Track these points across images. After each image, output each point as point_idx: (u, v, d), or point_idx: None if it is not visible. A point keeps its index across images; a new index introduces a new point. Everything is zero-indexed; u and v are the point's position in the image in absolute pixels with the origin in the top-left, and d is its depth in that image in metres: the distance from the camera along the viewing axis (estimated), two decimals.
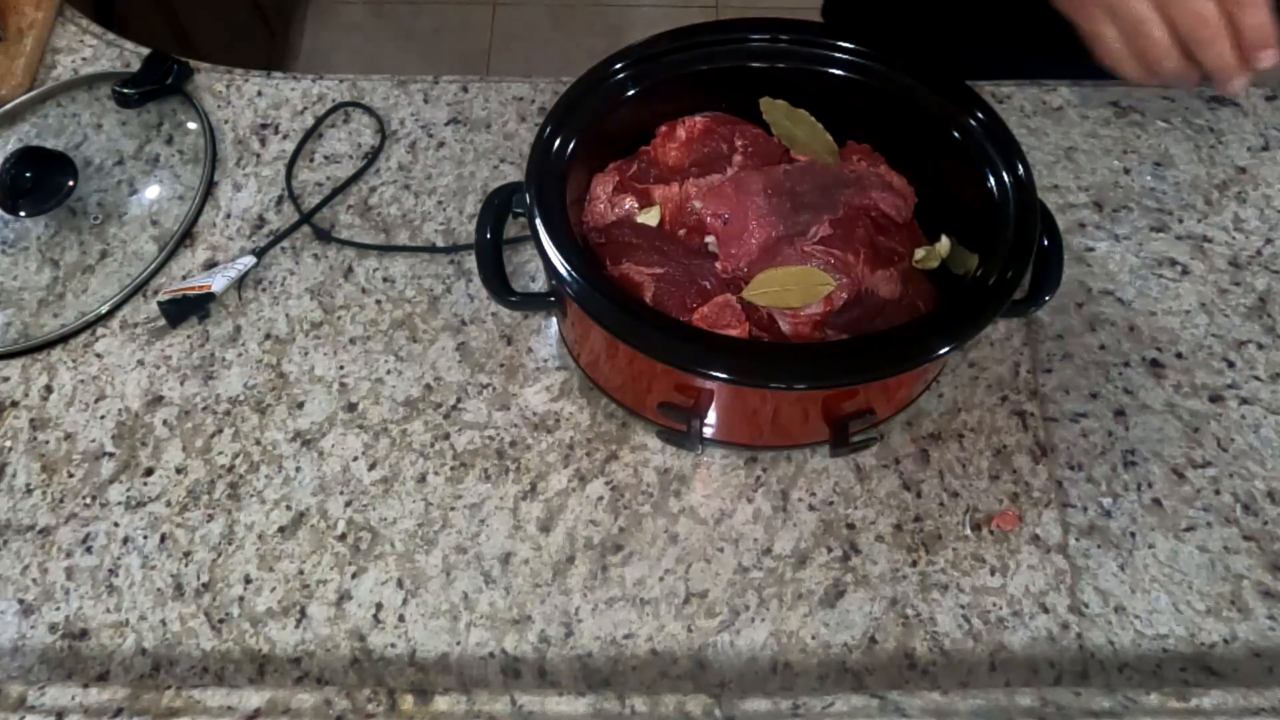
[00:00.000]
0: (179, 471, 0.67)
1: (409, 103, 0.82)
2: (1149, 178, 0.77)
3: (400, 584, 0.63)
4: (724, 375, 0.55)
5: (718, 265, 0.63)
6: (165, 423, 0.68)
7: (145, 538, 0.64)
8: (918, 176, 0.67)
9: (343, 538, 0.64)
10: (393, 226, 0.76)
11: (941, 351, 0.55)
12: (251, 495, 0.66)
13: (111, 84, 0.79)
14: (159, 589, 0.63)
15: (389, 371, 0.70)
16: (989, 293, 0.56)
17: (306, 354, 0.71)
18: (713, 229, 0.64)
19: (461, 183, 0.78)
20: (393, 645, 0.61)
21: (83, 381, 0.70)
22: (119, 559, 0.64)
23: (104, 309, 0.72)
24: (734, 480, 0.66)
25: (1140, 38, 0.52)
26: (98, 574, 0.63)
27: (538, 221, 0.58)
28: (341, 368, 0.70)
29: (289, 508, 0.65)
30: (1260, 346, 0.70)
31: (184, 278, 0.74)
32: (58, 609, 0.62)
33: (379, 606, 0.62)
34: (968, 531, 0.64)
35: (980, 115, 0.62)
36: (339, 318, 0.72)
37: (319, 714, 0.55)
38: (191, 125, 0.80)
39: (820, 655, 0.60)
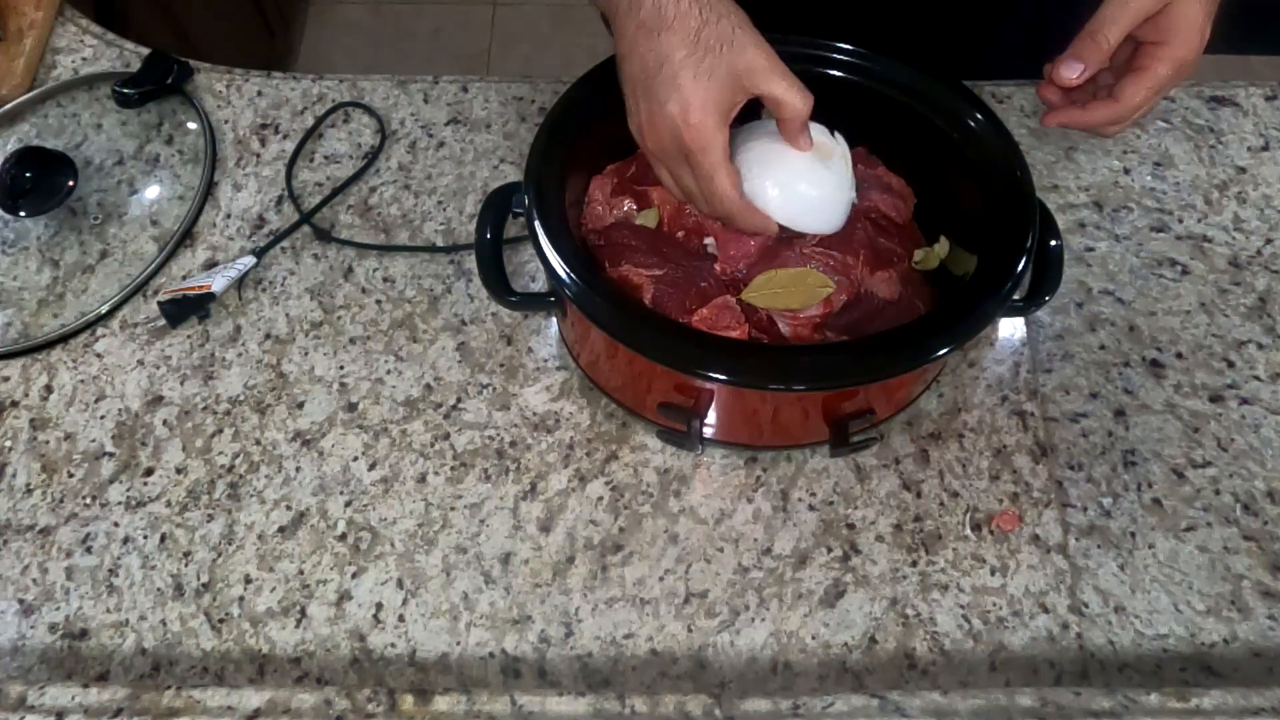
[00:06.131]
0: (179, 471, 0.67)
1: (409, 103, 0.82)
2: (1149, 178, 0.77)
3: (400, 584, 0.63)
4: (723, 377, 0.55)
5: (717, 267, 0.63)
6: (165, 423, 0.68)
7: (145, 538, 0.64)
8: (917, 177, 0.67)
9: (343, 538, 0.64)
10: (393, 226, 0.76)
11: (941, 352, 0.55)
12: (251, 495, 0.66)
13: (111, 84, 0.79)
14: (159, 589, 0.63)
15: (389, 371, 0.70)
16: (989, 293, 0.56)
17: (306, 354, 0.71)
18: (712, 231, 0.64)
19: (461, 183, 0.78)
20: (393, 645, 0.61)
21: (83, 381, 0.70)
22: (119, 559, 0.64)
23: (104, 309, 0.72)
24: (734, 480, 0.66)
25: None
26: (98, 574, 0.63)
27: (536, 224, 0.58)
28: (341, 368, 0.70)
29: (289, 508, 0.65)
30: (1260, 346, 0.70)
31: (184, 278, 0.74)
32: (58, 609, 0.62)
33: (379, 606, 0.62)
34: (968, 531, 0.64)
35: (980, 115, 0.62)
36: (339, 318, 0.72)
37: (319, 714, 0.55)
38: (191, 125, 0.80)
39: (820, 655, 0.60)
